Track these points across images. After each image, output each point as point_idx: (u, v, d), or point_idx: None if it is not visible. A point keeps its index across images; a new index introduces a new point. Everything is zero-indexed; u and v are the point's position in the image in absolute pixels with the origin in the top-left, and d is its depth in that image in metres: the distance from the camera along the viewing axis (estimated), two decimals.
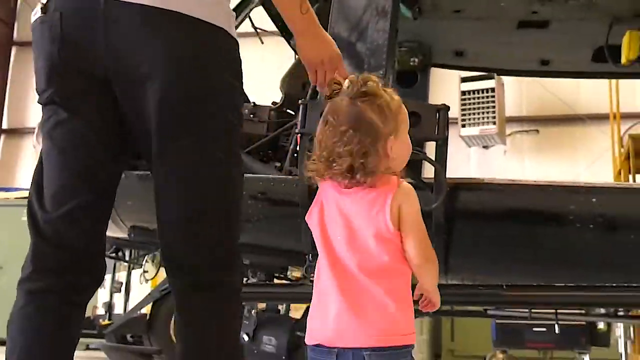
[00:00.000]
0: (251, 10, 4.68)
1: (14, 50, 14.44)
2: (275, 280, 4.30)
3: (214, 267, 1.98)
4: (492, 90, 10.48)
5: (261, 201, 3.34)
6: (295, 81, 3.72)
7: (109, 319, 9.15)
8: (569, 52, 4.94)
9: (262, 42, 5.09)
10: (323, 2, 3.87)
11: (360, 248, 1.82)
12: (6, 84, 14.28)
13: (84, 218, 1.94)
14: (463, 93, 10.91)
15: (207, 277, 1.97)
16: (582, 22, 4.53)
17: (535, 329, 7.44)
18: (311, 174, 1.89)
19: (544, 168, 11.97)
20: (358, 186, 1.83)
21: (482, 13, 4.54)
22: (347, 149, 1.78)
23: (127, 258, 5.83)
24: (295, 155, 3.30)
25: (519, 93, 12.62)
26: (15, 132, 14.13)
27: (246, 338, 4.01)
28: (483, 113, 11.36)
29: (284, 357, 3.99)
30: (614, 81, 8.21)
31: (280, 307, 4.11)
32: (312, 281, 3.83)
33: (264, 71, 11.16)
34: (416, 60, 5.04)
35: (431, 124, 2.79)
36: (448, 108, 2.81)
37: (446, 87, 9.98)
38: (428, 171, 3.41)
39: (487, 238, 3.10)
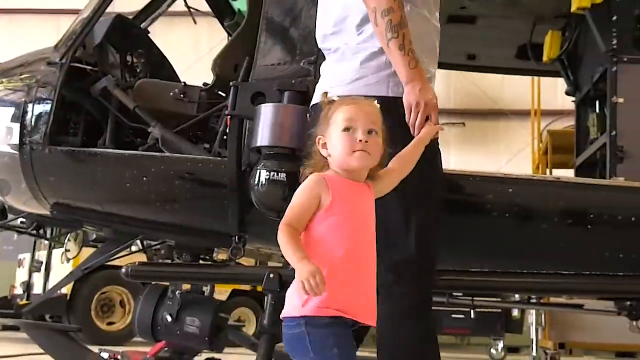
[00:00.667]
0: None
1: None
2: (201, 262, 4.31)
3: None
4: None
5: (188, 181, 3.34)
6: (228, 62, 3.70)
7: (27, 299, 8.95)
8: (495, 47, 5.11)
9: (195, 22, 5.05)
10: None
11: (368, 237, 1.96)
12: None
13: None
14: None
15: None
16: (507, 20, 4.70)
17: (452, 315, 7.70)
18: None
19: (468, 160, 12.32)
20: None
21: None
22: None
23: (48, 236, 5.70)
24: (225, 137, 3.32)
25: (447, 86, 12.94)
26: None
27: (169, 319, 3.99)
28: None
29: (206, 338, 3.98)
30: (536, 78, 8.51)
31: (205, 288, 4.11)
32: (237, 263, 3.87)
33: (197, 51, 11.04)
34: None
35: None
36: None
37: None
38: None
39: None
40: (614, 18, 3.75)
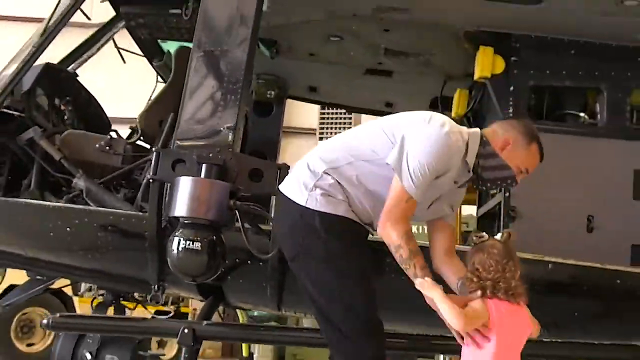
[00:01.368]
0: (114, 33, 4.82)
1: None
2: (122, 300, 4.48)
3: None
4: None
5: (111, 233, 3.51)
6: (153, 118, 3.92)
7: None
8: (410, 98, 5.43)
9: (125, 62, 5.21)
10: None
11: None
12: None
13: None
14: (322, 107, 11.44)
15: None
16: (420, 76, 5.04)
17: None
18: None
19: None
20: None
21: (333, 58, 4.93)
22: None
23: None
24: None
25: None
26: None
27: (89, 357, 4.15)
28: (340, 125, 12.03)
29: None
30: None
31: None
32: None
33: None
34: (272, 92, 5.35)
35: (272, 180, 3.12)
36: (288, 167, 3.13)
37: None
38: None
39: None
40: (511, 88, 4.12)
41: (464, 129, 2.97)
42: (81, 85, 4.56)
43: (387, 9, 4.11)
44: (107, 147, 3.79)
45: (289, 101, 5.75)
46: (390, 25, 4.33)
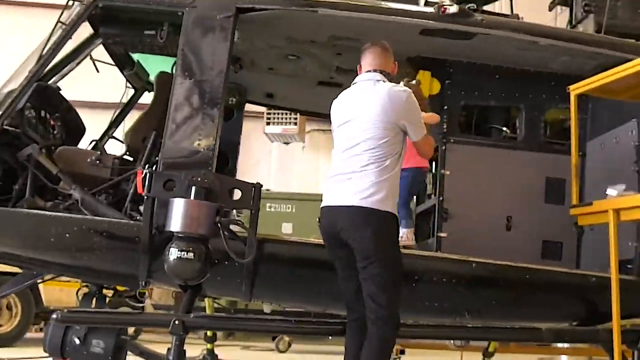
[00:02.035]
0: (92, 49, 5.27)
1: None
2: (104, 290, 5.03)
3: None
4: None
5: (105, 238, 4.07)
6: (137, 135, 4.47)
7: None
8: None
9: (98, 71, 5.67)
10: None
11: None
12: None
13: None
14: None
15: None
16: None
17: None
18: None
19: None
20: None
21: (290, 72, 5.51)
22: None
23: None
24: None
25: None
26: None
27: (77, 342, 4.67)
28: (286, 114, 12.50)
29: (109, 358, 4.71)
30: None
31: None
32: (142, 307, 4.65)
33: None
34: (234, 99, 5.90)
35: (248, 197, 3.75)
36: (261, 185, 3.77)
37: None
38: None
39: (280, 275, 4.14)
40: (445, 107, 4.81)
41: None
42: (64, 98, 5.03)
43: (341, 37, 4.74)
44: (98, 161, 4.33)
45: None
46: (343, 50, 4.94)
